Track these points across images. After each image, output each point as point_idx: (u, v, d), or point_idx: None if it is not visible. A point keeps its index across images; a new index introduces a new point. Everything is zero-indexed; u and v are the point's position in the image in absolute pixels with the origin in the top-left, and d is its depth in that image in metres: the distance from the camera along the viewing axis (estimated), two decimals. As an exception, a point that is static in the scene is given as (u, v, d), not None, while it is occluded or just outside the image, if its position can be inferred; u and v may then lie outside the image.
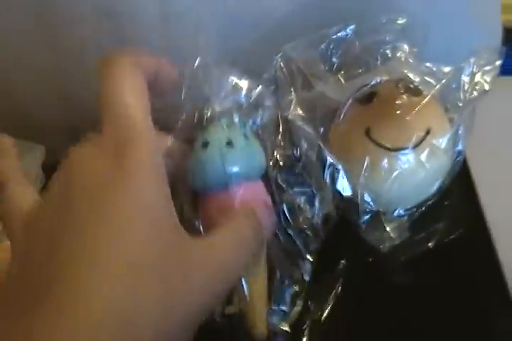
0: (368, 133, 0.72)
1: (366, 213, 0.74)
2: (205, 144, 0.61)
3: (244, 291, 0.60)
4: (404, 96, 0.73)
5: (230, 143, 0.61)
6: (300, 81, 0.78)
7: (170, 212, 0.46)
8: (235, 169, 0.60)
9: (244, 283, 0.60)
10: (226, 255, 0.48)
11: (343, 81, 0.79)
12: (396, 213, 0.75)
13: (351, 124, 0.75)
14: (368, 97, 0.75)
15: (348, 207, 0.74)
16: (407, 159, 0.71)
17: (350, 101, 0.76)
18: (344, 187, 0.73)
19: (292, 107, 0.77)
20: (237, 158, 0.61)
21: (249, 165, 0.62)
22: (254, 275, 0.61)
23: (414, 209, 0.75)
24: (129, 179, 0.43)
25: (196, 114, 0.64)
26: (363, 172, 0.72)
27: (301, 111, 0.77)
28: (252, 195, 0.62)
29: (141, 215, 0.43)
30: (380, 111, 0.73)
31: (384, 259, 0.74)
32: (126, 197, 0.43)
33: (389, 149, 0.71)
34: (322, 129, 0.77)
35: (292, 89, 0.78)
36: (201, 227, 0.61)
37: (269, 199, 0.64)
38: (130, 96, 0.47)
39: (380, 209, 0.74)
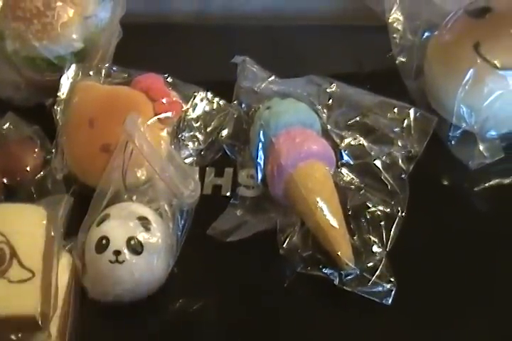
0: (476, 47, 0.70)
1: (458, 129, 0.74)
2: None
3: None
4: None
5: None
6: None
7: None
8: None
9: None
10: None
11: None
12: (488, 135, 0.74)
13: (459, 36, 0.73)
14: (481, 12, 0.72)
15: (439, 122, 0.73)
16: (514, 81, 0.69)
17: (459, 12, 0.74)
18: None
19: (393, 10, 0.79)
20: None
21: None
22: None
23: (509, 135, 0.74)
24: None
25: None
26: (463, 85, 0.70)
27: (401, 16, 0.79)
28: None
29: None
30: (494, 27, 0.71)
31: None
32: None
33: (497, 67, 0.69)
34: (423, 36, 0.78)
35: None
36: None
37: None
38: None
39: (475, 128, 0.73)
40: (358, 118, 0.73)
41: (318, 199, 0.64)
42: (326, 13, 0.95)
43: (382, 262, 0.63)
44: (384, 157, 0.70)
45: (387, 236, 0.65)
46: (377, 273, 0.62)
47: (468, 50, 0.70)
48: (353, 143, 0.71)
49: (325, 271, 0.63)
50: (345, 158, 0.70)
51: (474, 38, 0.71)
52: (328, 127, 0.72)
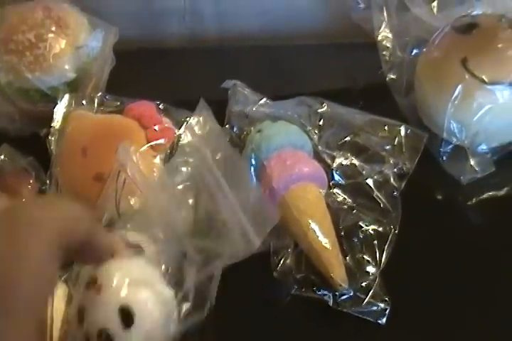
0: (464, 63, 0.71)
1: (449, 144, 0.75)
2: None
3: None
4: (508, 31, 0.71)
5: None
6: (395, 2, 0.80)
7: None
8: None
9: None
10: None
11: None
12: (479, 149, 0.74)
13: (447, 52, 0.74)
14: (467, 27, 0.73)
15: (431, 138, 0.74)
16: (502, 95, 0.70)
17: (447, 29, 0.75)
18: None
19: (382, 28, 0.80)
20: None
21: None
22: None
23: (499, 149, 0.75)
24: None
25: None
26: (452, 101, 0.71)
27: (390, 34, 0.80)
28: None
29: None
30: (481, 42, 0.72)
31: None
32: None
33: (485, 82, 0.70)
34: (412, 53, 0.80)
35: (385, 10, 0.80)
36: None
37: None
38: None
39: (465, 142, 0.74)
40: (349, 138, 0.73)
41: (310, 220, 0.65)
42: (320, 31, 0.96)
43: (376, 281, 0.63)
44: (376, 175, 0.71)
45: (381, 255, 0.65)
46: (371, 292, 0.63)
47: (456, 65, 0.71)
48: (344, 163, 0.72)
49: (319, 292, 0.63)
50: (337, 178, 0.71)
51: (462, 54, 0.71)
52: (320, 148, 0.72)
